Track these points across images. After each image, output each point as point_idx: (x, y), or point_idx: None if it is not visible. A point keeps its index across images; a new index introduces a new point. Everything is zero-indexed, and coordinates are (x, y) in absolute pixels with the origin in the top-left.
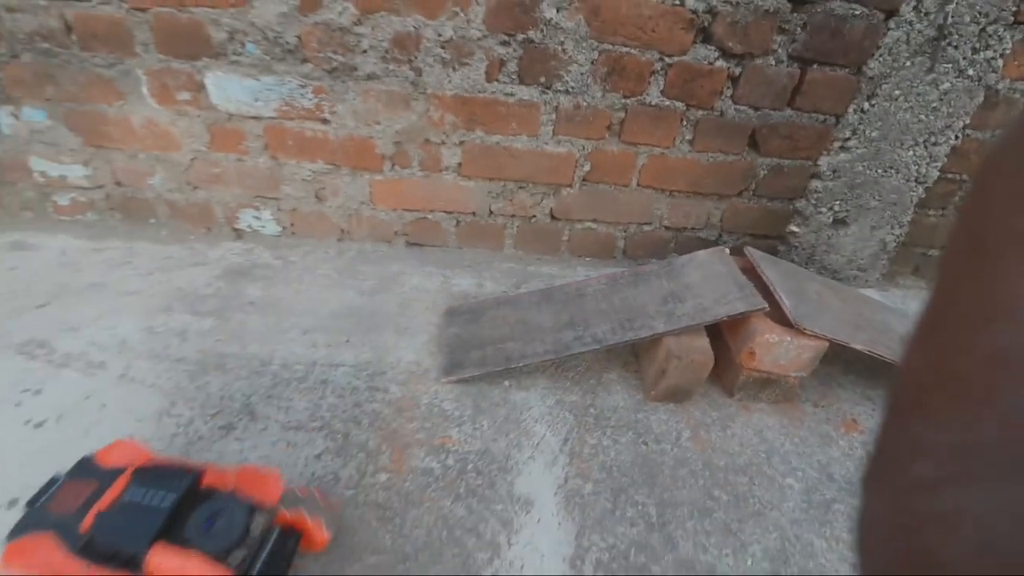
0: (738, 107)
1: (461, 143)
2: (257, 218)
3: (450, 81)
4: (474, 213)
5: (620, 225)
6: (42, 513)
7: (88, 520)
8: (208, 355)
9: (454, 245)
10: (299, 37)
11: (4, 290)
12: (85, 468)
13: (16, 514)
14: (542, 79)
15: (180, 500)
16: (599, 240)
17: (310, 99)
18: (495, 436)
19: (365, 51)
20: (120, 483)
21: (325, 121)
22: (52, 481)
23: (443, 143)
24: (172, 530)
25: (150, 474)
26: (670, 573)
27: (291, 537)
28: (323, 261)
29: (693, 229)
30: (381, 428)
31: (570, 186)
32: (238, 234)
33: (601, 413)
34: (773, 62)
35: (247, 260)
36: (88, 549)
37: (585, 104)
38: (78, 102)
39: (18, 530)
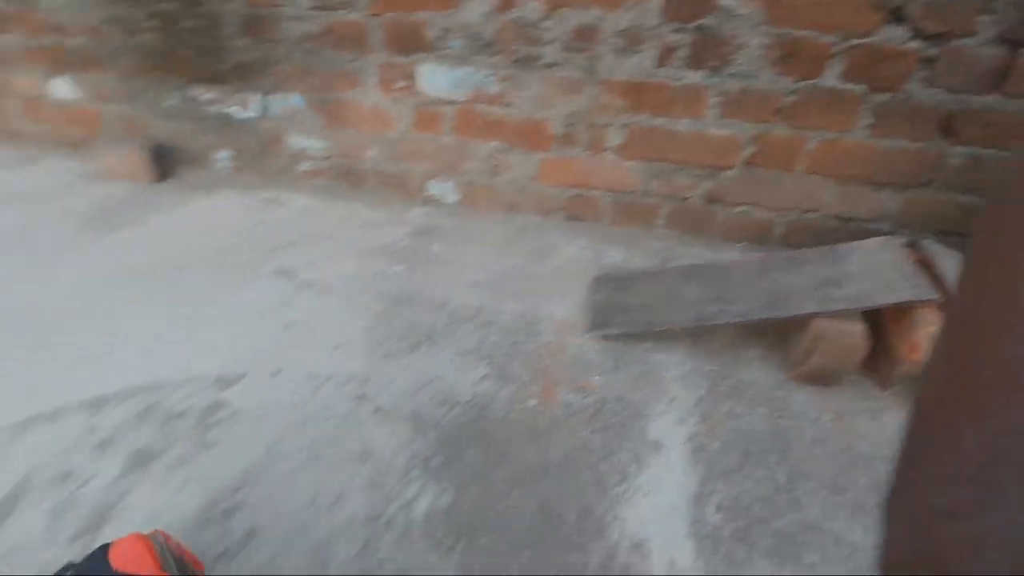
0: (931, 91)
1: (625, 125)
2: (442, 188)
3: (621, 68)
4: (630, 192)
5: (780, 211)
6: None
7: None
8: (401, 293)
9: (607, 222)
10: (495, 32)
11: (264, 232)
12: (93, 566)
13: (277, 380)
14: (712, 64)
15: None
16: (755, 225)
17: (496, 86)
18: (632, 387)
19: (548, 43)
20: None
21: (506, 105)
22: (67, 566)
23: (609, 125)
24: None
25: None
26: (792, 531)
27: None
28: (492, 228)
29: (864, 220)
30: (533, 365)
31: (730, 169)
32: (426, 201)
33: (738, 385)
34: (975, 43)
35: (431, 223)
36: None
37: (754, 88)
38: (326, 91)
39: None
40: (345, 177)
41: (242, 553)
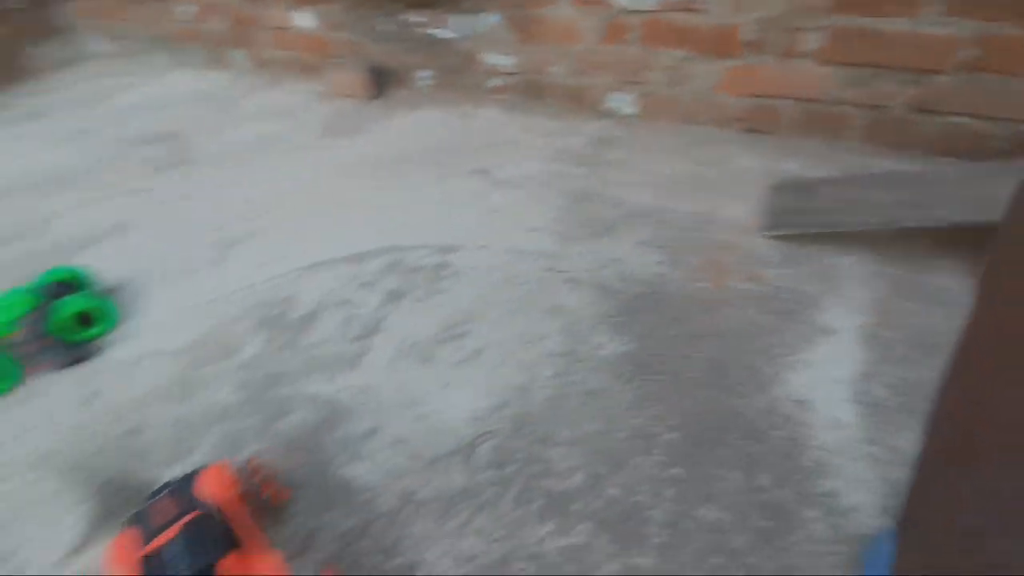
0: None
1: (826, 27)
2: (620, 101)
3: None
4: (821, 100)
5: (1002, 122)
6: (142, 511)
7: (143, 551)
8: (582, 192)
9: (789, 134)
10: None
11: (460, 139)
12: (182, 488)
13: (485, 252)
14: None
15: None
16: (968, 137)
17: None
18: (806, 281)
19: None
20: (171, 532)
21: (697, 12)
22: (164, 486)
23: (807, 28)
24: None
25: (193, 532)
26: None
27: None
28: (668, 138)
29: None
30: (706, 255)
31: (943, 74)
32: (604, 114)
33: (922, 287)
34: None
35: (609, 133)
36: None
37: None
38: (521, 7)
39: (129, 520)
40: (529, 92)
41: (470, 365)
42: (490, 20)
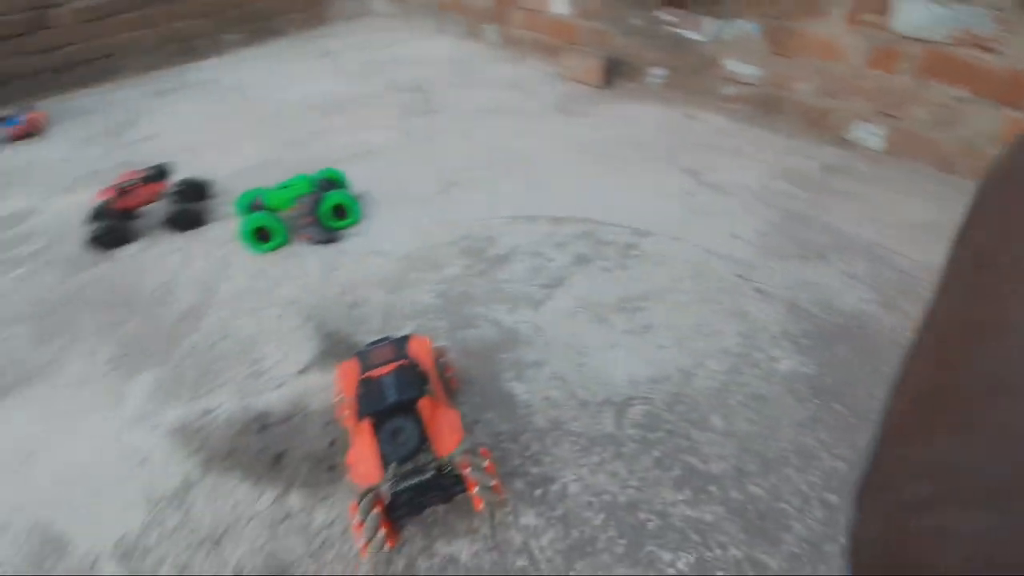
0: None
1: None
2: (867, 130)
3: None
4: None
5: None
6: (365, 350)
7: (364, 376)
8: (798, 213)
9: None
10: None
11: (679, 138)
12: (398, 343)
13: (677, 243)
14: None
15: (392, 404)
16: None
17: (989, 28)
18: None
19: None
20: (385, 369)
21: (991, 51)
22: (384, 338)
23: None
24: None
25: (403, 372)
26: None
27: (451, 486)
28: (913, 179)
29: None
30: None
31: None
32: (844, 141)
33: None
34: None
35: (845, 163)
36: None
37: None
38: (784, 19)
39: (355, 354)
40: (765, 105)
41: (640, 336)
42: (745, 27)
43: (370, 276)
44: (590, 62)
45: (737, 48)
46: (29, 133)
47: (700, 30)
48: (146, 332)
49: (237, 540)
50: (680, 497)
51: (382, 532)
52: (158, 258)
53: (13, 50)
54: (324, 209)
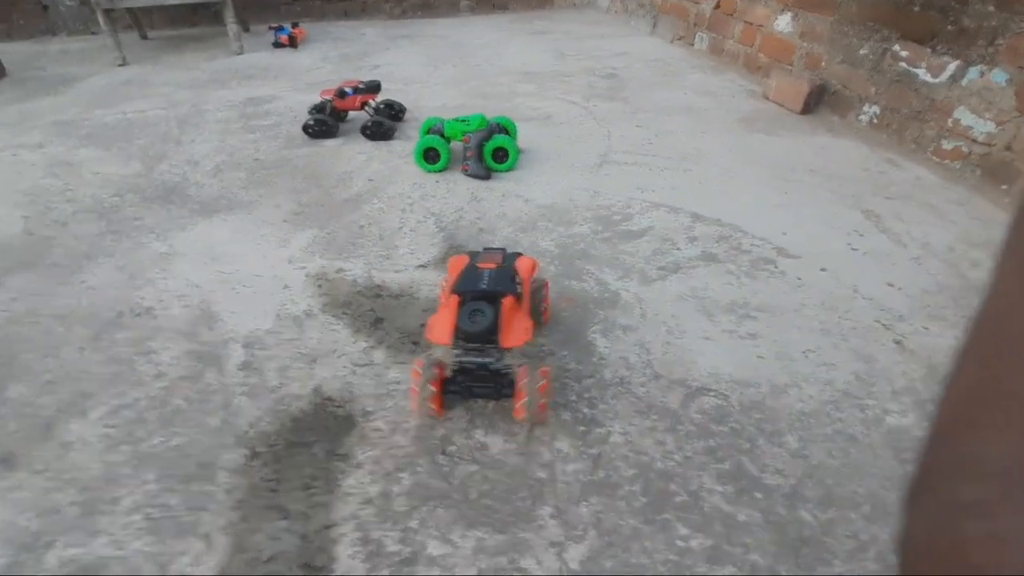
0: None
1: None
2: None
3: None
4: None
5: None
6: (479, 251)
7: (472, 264)
8: (977, 286)
9: None
10: None
11: (868, 178)
12: (507, 255)
13: (822, 274)
14: None
15: (481, 290)
16: None
17: None
18: None
19: None
20: (488, 266)
21: None
22: (499, 248)
23: None
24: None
25: (503, 271)
26: None
27: (503, 386)
28: None
29: None
30: None
31: None
32: None
33: None
34: None
35: None
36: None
37: None
38: None
39: (468, 253)
40: (990, 170)
41: (739, 339)
42: (991, 76)
43: (506, 213)
44: (797, 84)
45: (975, 98)
46: (291, 43)
47: (938, 71)
48: (320, 202)
49: (327, 365)
50: (719, 488)
51: (433, 395)
52: (349, 154)
53: None
54: (488, 148)
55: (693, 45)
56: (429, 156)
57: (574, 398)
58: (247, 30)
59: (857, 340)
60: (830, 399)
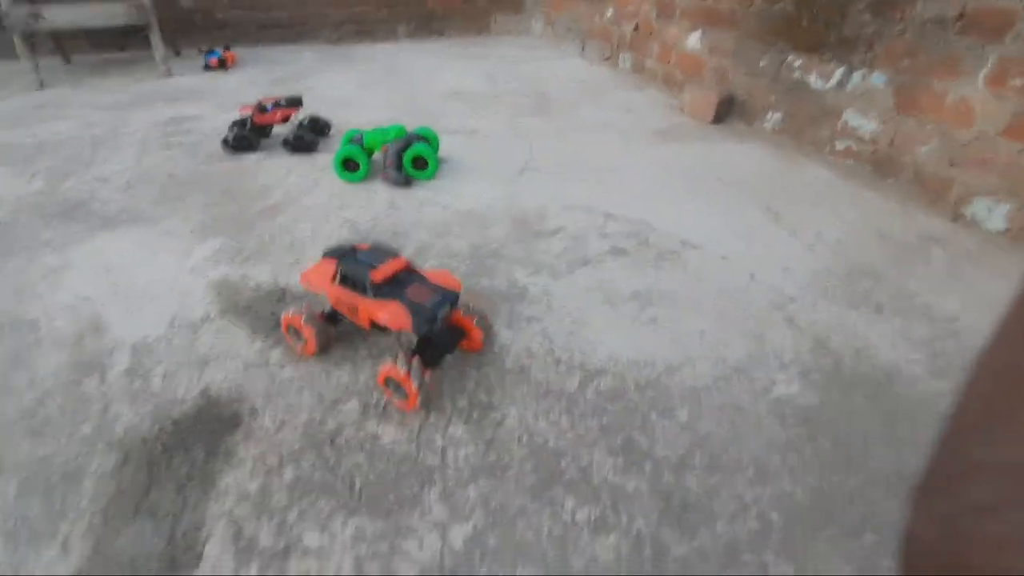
0: None
1: None
2: (987, 209)
3: None
4: None
5: None
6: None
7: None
8: (868, 269)
9: None
10: None
11: (772, 180)
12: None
13: (724, 262)
14: None
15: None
16: None
17: None
18: None
19: None
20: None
21: None
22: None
23: None
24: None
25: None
26: None
27: (458, 332)
28: None
29: None
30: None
31: None
32: (956, 216)
33: None
34: None
35: (951, 237)
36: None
37: None
38: (916, 75)
39: (330, 252)
40: (878, 165)
41: (639, 326)
42: (871, 79)
43: (423, 219)
44: (707, 96)
45: (860, 100)
46: (222, 66)
47: (827, 78)
48: (231, 214)
49: (218, 367)
50: (612, 462)
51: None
52: (269, 167)
53: (234, 4)
54: (407, 156)
55: (618, 65)
56: (348, 166)
57: (471, 385)
58: (178, 54)
59: (751, 322)
60: (721, 375)
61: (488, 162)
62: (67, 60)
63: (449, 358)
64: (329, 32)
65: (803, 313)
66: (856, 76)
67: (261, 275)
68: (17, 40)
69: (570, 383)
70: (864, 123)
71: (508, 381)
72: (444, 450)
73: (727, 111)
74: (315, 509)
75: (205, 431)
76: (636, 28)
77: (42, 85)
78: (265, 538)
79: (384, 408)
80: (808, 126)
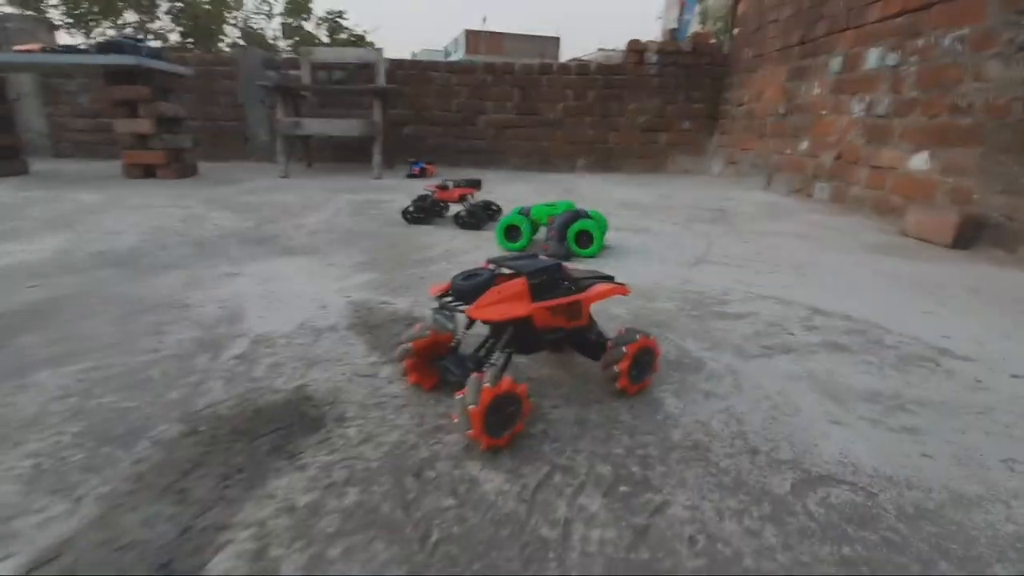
0: None
1: None
2: None
3: None
4: None
5: None
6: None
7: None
8: None
9: None
10: None
11: (1006, 303)
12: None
13: None
14: None
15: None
16: None
17: None
18: None
19: None
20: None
21: None
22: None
23: None
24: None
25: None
26: None
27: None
28: None
29: None
30: None
31: None
32: None
33: None
34: None
35: None
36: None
37: None
38: None
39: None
40: None
41: (897, 434)
42: None
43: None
44: (942, 216)
45: None
46: (423, 174)
47: None
48: (392, 258)
49: (324, 369)
50: None
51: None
52: (438, 234)
53: (444, 133)
54: (572, 230)
55: (812, 196)
56: (510, 234)
57: (620, 451)
58: (392, 167)
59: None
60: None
61: (660, 250)
62: (309, 164)
63: (599, 418)
64: (517, 160)
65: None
66: None
67: (400, 304)
68: (280, 140)
69: (776, 482)
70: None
71: (674, 458)
72: (568, 523)
73: (974, 235)
74: (367, 551)
75: (282, 425)
76: (838, 156)
77: (286, 175)
78: (288, 568)
79: (494, 451)
80: None
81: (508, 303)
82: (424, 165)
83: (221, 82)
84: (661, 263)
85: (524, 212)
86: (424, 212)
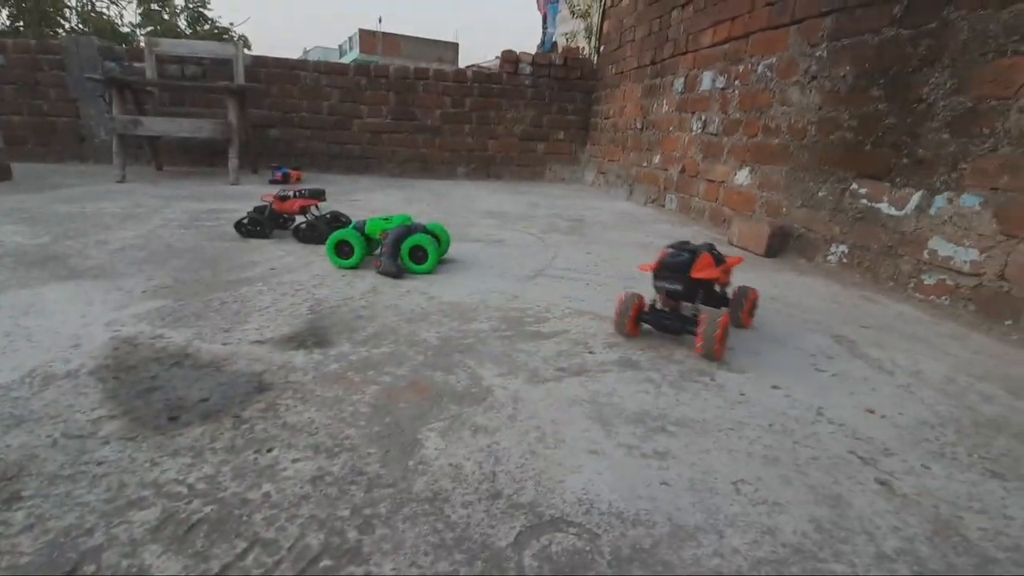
0: None
1: None
2: None
3: None
4: None
5: None
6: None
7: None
8: (993, 422)
9: None
10: None
11: (843, 313)
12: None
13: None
14: None
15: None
16: None
17: None
18: None
19: None
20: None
21: None
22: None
23: None
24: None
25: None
26: None
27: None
28: None
29: None
30: None
31: None
32: None
33: None
34: None
35: None
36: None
37: None
38: (1021, 191)
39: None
40: (988, 305)
41: (643, 467)
42: (961, 201)
43: (399, 305)
44: (758, 228)
45: (950, 225)
46: (285, 180)
47: (902, 204)
48: (198, 280)
49: (32, 431)
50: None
51: (630, 317)
52: (270, 249)
53: (314, 136)
54: (406, 245)
55: (664, 206)
56: (341, 250)
57: (345, 513)
58: (255, 172)
59: (819, 474)
60: (768, 557)
61: (504, 263)
62: (159, 168)
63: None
64: (393, 167)
65: (907, 476)
66: (940, 199)
67: (177, 337)
68: (115, 140)
69: (502, 533)
70: (959, 251)
71: (404, 515)
72: None
73: (782, 245)
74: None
75: None
76: (683, 170)
77: (123, 179)
78: None
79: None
80: (884, 258)
81: (709, 268)
82: (288, 171)
83: (51, 73)
84: (500, 277)
85: (358, 227)
86: (260, 224)
